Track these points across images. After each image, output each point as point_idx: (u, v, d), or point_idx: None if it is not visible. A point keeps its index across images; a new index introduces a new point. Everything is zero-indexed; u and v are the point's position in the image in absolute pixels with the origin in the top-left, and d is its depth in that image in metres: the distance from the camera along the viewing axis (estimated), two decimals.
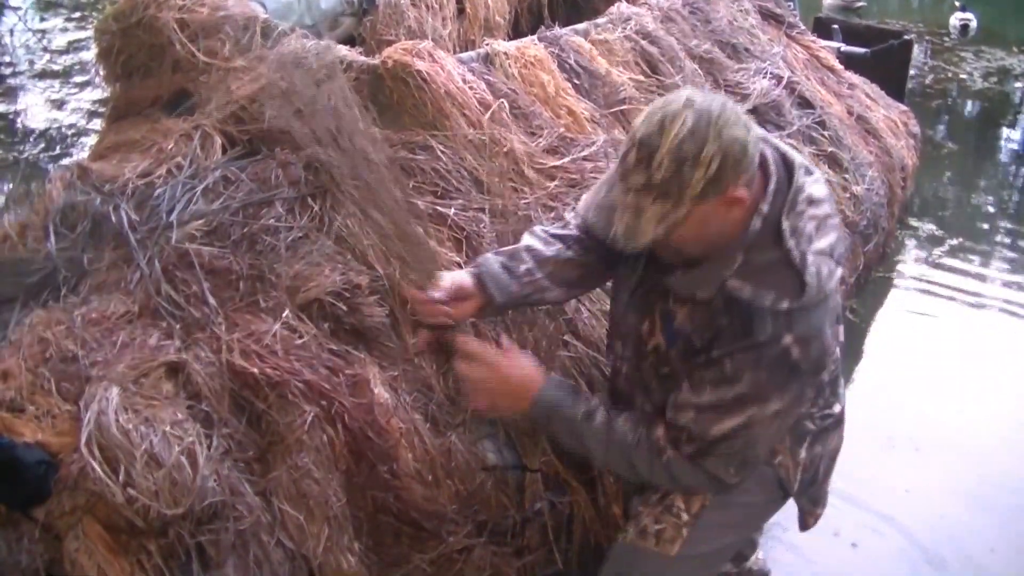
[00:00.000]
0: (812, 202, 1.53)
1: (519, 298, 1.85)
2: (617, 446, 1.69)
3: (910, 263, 4.59)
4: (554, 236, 1.88)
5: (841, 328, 1.74)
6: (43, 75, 6.50)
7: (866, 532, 2.74)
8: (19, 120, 5.80)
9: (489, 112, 2.47)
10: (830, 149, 3.40)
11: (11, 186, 4.60)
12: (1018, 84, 7.87)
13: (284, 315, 2.04)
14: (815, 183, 1.57)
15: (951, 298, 4.23)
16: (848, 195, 3.33)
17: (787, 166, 1.55)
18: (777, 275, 1.49)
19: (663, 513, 1.79)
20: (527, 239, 1.90)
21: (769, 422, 1.56)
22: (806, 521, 1.90)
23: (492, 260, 1.85)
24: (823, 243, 1.52)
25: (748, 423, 1.55)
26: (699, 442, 1.60)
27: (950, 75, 7.75)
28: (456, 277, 1.84)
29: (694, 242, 1.51)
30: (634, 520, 1.86)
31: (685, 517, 1.77)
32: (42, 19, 7.68)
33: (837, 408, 1.81)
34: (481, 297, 1.83)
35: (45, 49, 6.91)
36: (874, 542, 2.72)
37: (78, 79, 6.33)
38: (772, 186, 1.51)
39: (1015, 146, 6.68)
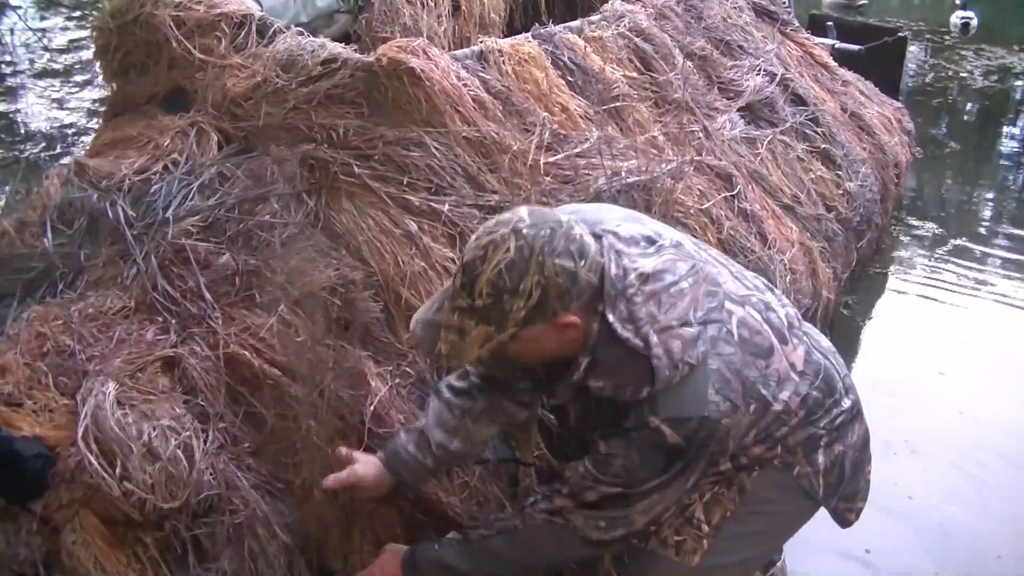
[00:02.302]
0: (645, 279, 1.50)
1: (440, 467, 1.92)
2: (475, 550, 1.73)
3: (909, 262, 4.58)
4: (458, 392, 1.86)
5: (792, 351, 1.67)
6: (43, 74, 6.51)
7: (879, 538, 2.69)
8: (19, 119, 5.82)
9: (483, 109, 2.48)
10: (823, 146, 3.42)
11: (10, 186, 4.62)
12: (1019, 82, 7.88)
13: (279, 310, 2.06)
14: (644, 257, 1.53)
15: (951, 298, 4.21)
16: (841, 191, 3.35)
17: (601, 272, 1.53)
18: (627, 368, 1.48)
19: (683, 524, 1.75)
20: (432, 408, 1.89)
21: (647, 496, 1.57)
22: (846, 518, 1.81)
23: (400, 445, 1.86)
24: (668, 317, 1.49)
25: (624, 496, 1.57)
26: (573, 499, 1.63)
27: (950, 73, 7.76)
28: (361, 470, 1.84)
29: (534, 357, 1.56)
30: (654, 533, 1.81)
31: (706, 528, 1.72)
32: (42, 18, 7.70)
33: (847, 403, 1.74)
34: (394, 481, 1.87)
35: (45, 48, 6.93)
36: (888, 548, 2.67)
37: (78, 78, 6.34)
38: (606, 285, 1.49)
39: (1016, 145, 6.69)
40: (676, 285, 1.52)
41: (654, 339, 1.47)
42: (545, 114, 2.61)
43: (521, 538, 1.69)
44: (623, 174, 2.55)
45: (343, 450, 1.86)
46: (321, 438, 1.88)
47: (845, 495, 1.78)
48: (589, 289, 1.46)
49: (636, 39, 3.12)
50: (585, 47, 2.95)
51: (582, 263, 1.43)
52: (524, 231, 1.40)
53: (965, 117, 7.18)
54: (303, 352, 1.98)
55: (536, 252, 1.39)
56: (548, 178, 2.47)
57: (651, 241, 1.57)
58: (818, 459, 1.71)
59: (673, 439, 1.49)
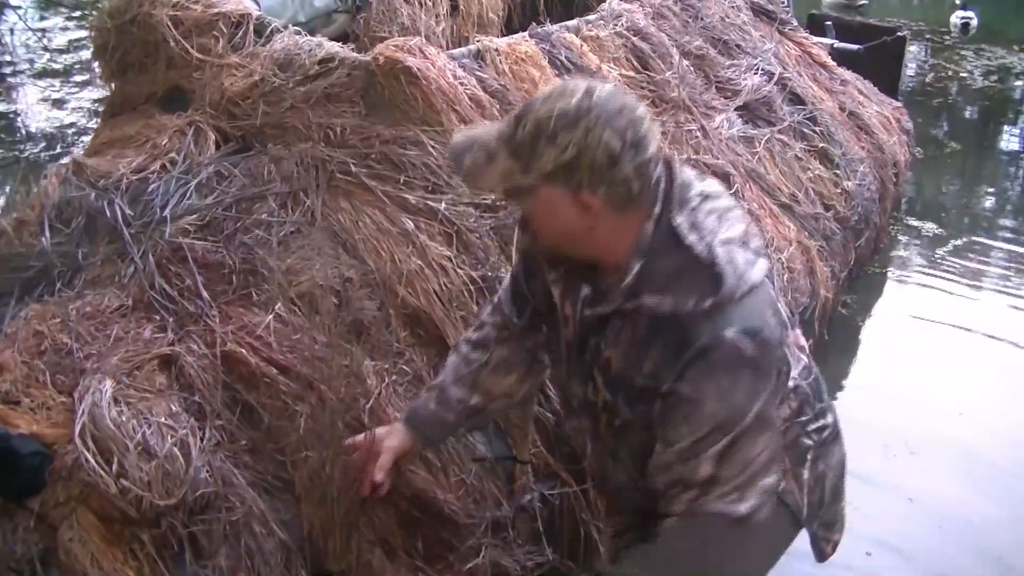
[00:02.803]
0: (707, 197, 1.43)
1: (462, 423, 1.83)
2: None
3: (908, 262, 4.58)
4: (475, 345, 1.79)
5: (798, 335, 1.63)
6: (43, 74, 6.53)
7: (878, 541, 2.68)
8: (19, 119, 5.83)
9: (479, 108, 2.49)
10: (821, 145, 3.42)
11: (11, 186, 4.63)
12: (1019, 82, 7.88)
13: (276, 308, 2.07)
14: (705, 181, 1.47)
15: (950, 298, 4.20)
16: (839, 190, 3.35)
17: (668, 167, 1.45)
18: (690, 277, 1.37)
19: None
20: (450, 364, 1.81)
21: (756, 431, 1.39)
22: (822, 550, 1.71)
23: (420, 405, 1.81)
24: (729, 233, 1.41)
25: (734, 441, 1.38)
26: (693, 488, 1.41)
27: (950, 73, 7.76)
28: (394, 443, 1.78)
29: (543, 227, 1.43)
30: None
31: None
32: (42, 18, 7.72)
33: (830, 418, 1.69)
34: (420, 441, 1.80)
35: (45, 48, 6.94)
36: (888, 551, 2.67)
37: (78, 78, 6.36)
38: (661, 189, 1.41)
39: (1016, 144, 6.69)
40: (733, 210, 1.46)
41: (718, 249, 1.38)
42: None
43: (662, 564, 1.46)
44: None
45: (356, 439, 1.80)
46: (322, 437, 1.88)
47: (825, 521, 1.69)
48: (625, 186, 1.34)
49: (633, 38, 3.13)
50: (582, 46, 2.96)
51: (631, 154, 1.32)
52: (596, 94, 1.32)
53: (965, 117, 7.18)
54: (301, 350, 1.99)
55: (592, 116, 1.30)
56: None
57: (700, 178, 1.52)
58: (803, 474, 1.64)
59: (750, 352, 1.36)
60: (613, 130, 1.31)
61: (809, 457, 1.64)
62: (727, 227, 1.41)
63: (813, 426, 1.64)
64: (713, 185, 1.48)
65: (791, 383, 1.57)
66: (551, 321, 1.60)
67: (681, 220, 1.39)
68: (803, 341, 1.65)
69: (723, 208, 1.44)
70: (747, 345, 1.36)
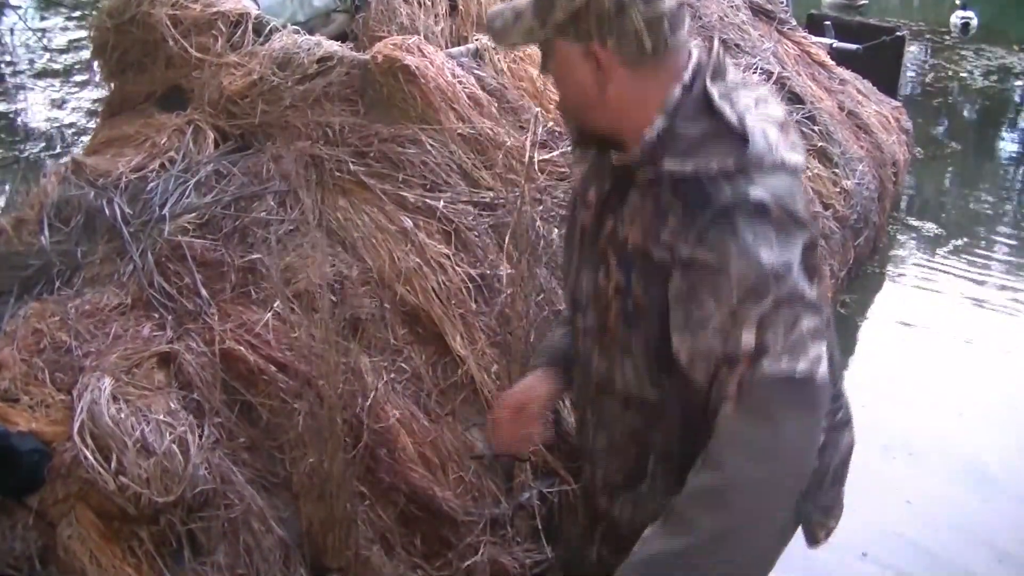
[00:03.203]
0: (746, 84, 1.38)
1: None
2: (684, 507, 1.27)
3: (908, 261, 4.57)
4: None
5: (827, 285, 1.56)
6: (43, 74, 6.53)
7: (876, 542, 2.66)
8: (19, 119, 5.84)
9: (478, 106, 2.50)
10: (820, 144, 3.43)
11: (11, 185, 4.63)
12: (1019, 82, 7.88)
13: (275, 306, 2.07)
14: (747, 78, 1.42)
15: (950, 298, 4.18)
16: (838, 189, 3.36)
17: (709, 46, 1.39)
18: (716, 142, 1.30)
19: None
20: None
21: (791, 296, 1.23)
22: (815, 534, 1.59)
23: (552, 343, 1.71)
24: (767, 111, 1.33)
25: (775, 304, 1.22)
26: (740, 363, 1.23)
27: (950, 73, 7.76)
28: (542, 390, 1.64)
29: (564, 92, 1.41)
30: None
31: None
32: (42, 18, 7.72)
33: (843, 402, 1.64)
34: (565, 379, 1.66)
35: (45, 48, 6.94)
36: (885, 552, 2.65)
37: (78, 78, 6.36)
38: (694, 60, 1.34)
39: (1016, 144, 6.69)
40: (773, 102, 1.39)
41: (751, 120, 1.30)
42: (540, 111, 2.61)
43: (721, 447, 1.24)
44: None
45: (506, 404, 1.64)
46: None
47: (822, 505, 1.62)
48: (636, 39, 1.30)
49: None
50: None
51: (640, 5, 1.28)
52: None
53: (965, 117, 7.19)
54: (300, 348, 1.99)
55: None
56: (543, 175, 2.48)
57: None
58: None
59: (776, 212, 1.25)
60: None
61: (822, 438, 1.48)
62: (764, 108, 1.35)
63: (831, 405, 1.53)
64: (755, 80, 1.45)
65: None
66: (571, 219, 1.53)
67: (714, 89, 1.32)
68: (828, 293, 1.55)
69: (762, 96, 1.38)
70: (773, 206, 1.26)
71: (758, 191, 1.26)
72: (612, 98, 1.34)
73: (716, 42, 1.39)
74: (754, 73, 3.45)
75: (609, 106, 1.35)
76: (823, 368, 1.23)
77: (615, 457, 1.54)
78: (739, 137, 1.28)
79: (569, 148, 1.52)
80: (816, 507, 1.60)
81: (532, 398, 1.61)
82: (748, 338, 1.22)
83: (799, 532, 1.62)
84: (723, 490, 1.23)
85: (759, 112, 1.32)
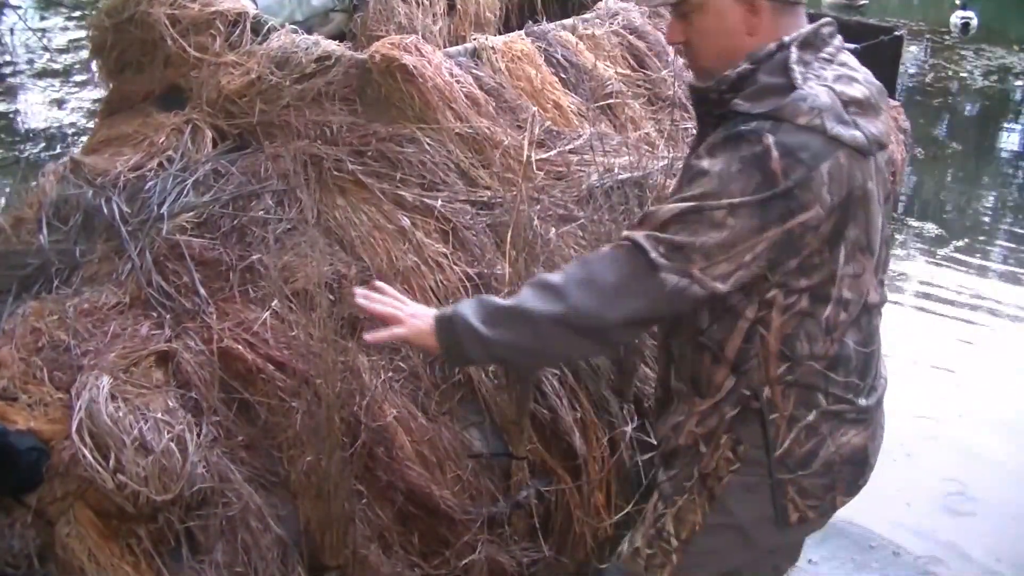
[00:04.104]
0: (844, 64, 1.52)
1: None
2: (528, 286, 1.57)
3: (908, 262, 4.57)
4: None
5: (882, 225, 1.57)
6: (43, 74, 6.54)
7: (874, 543, 2.69)
8: (19, 119, 5.84)
9: (476, 105, 2.50)
10: None
11: (11, 185, 4.63)
12: (1019, 82, 7.88)
13: (273, 305, 2.08)
14: (855, 62, 1.55)
15: (950, 299, 4.18)
16: None
17: (817, 22, 1.55)
18: (777, 95, 1.43)
19: (654, 538, 1.69)
20: None
21: (720, 218, 1.42)
22: (786, 513, 1.60)
23: None
24: (841, 87, 1.46)
25: (698, 208, 1.43)
26: (646, 225, 1.49)
27: (950, 73, 7.77)
28: None
29: (706, 40, 1.51)
30: (629, 538, 1.78)
31: (674, 543, 1.66)
32: (42, 18, 7.72)
33: (862, 401, 1.61)
34: None
35: (45, 48, 6.95)
36: (882, 553, 2.67)
37: (78, 78, 6.37)
38: (802, 28, 1.50)
39: (1015, 145, 6.69)
40: (859, 84, 1.51)
41: (814, 83, 1.45)
42: (538, 110, 2.62)
43: (573, 269, 1.54)
44: (616, 171, 2.56)
45: None
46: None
47: (801, 487, 1.60)
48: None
49: (629, 36, 3.14)
50: (578, 44, 2.97)
51: None
52: None
53: (965, 117, 7.18)
54: (298, 347, 2.00)
55: None
56: (541, 174, 2.48)
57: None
58: (807, 416, 1.57)
59: (775, 166, 1.39)
60: None
61: (817, 410, 1.57)
62: (842, 85, 1.47)
63: (836, 391, 1.57)
64: (856, 63, 1.56)
65: (843, 295, 1.51)
66: None
67: (797, 53, 1.46)
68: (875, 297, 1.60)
69: (851, 76, 1.51)
70: (776, 156, 1.39)
71: (772, 137, 1.40)
72: (754, 43, 1.47)
73: (824, 21, 1.54)
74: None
75: (748, 52, 1.47)
76: (676, 278, 1.45)
77: (658, 367, 1.78)
78: (792, 91, 1.42)
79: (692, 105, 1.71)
80: (794, 484, 1.60)
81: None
82: (663, 214, 1.46)
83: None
84: (554, 288, 1.51)
85: (834, 85, 1.45)
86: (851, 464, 1.64)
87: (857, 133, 1.44)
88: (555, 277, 1.53)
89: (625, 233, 1.52)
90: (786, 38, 1.47)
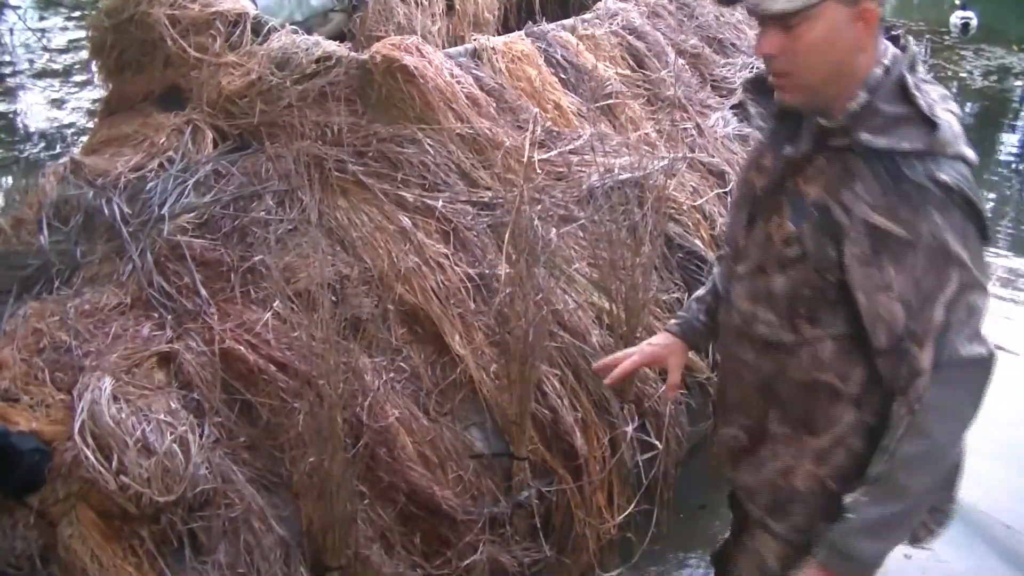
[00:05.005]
0: (932, 84, 1.50)
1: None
2: (897, 473, 1.45)
3: None
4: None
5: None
6: (43, 74, 6.53)
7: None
8: (19, 119, 5.84)
9: (476, 106, 2.50)
10: None
11: (10, 186, 4.63)
12: (1018, 82, 7.88)
13: (274, 305, 2.08)
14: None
15: None
16: None
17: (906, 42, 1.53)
18: (909, 125, 1.41)
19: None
20: (714, 274, 1.87)
21: (972, 278, 1.39)
22: (918, 533, 1.61)
23: (692, 317, 1.84)
24: (949, 106, 1.46)
25: (961, 287, 1.39)
26: (928, 338, 1.40)
27: (950, 73, 7.76)
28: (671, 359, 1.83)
29: (816, 55, 1.43)
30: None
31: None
32: (42, 18, 7.71)
33: None
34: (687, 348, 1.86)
35: (45, 48, 6.94)
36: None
37: (78, 78, 6.35)
38: (892, 51, 1.47)
39: (1015, 145, 6.69)
40: (951, 102, 1.50)
41: (939, 111, 1.43)
42: (538, 111, 2.62)
43: (931, 419, 1.42)
44: (616, 171, 2.56)
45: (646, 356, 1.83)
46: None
47: (932, 504, 1.57)
48: (882, 5, 1.43)
49: (629, 37, 3.14)
50: (578, 45, 2.97)
51: None
52: None
53: (965, 117, 7.18)
54: (299, 347, 2.00)
55: None
56: (541, 175, 2.49)
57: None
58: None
59: (960, 200, 1.39)
60: None
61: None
62: (946, 103, 1.47)
63: None
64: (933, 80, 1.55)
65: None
66: (744, 180, 1.67)
67: (911, 80, 1.44)
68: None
69: (944, 93, 1.50)
70: (958, 193, 1.38)
71: (945, 175, 1.38)
72: (863, 60, 1.44)
73: (911, 38, 1.52)
74: (750, 72, 3.45)
75: (856, 69, 1.44)
76: (986, 348, 1.42)
77: (742, 413, 1.69)
78: (929, 124, 1.40)
79: (754, 114, 1.63)
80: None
81: (673, 366, 1.80)
82: (939, 314, 1.39)
83: None
84: (933, 454, 1.43)
85: (944, 106, 1.45)
86: (957, 467, 1.64)
87: (971, 153, 1.45)
88: (917, 443, 1.43)
89: (928, 360, 1.40)
90: (885, 60, 1.45)
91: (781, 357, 1.56)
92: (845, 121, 1.43)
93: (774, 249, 1.53)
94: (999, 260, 4.68)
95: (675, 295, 2.52)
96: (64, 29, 7.41)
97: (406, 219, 2.31)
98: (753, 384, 1.64)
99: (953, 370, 1.40)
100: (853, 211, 1.41)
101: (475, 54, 2.71)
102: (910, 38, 1.53)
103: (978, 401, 1.44)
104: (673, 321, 1.88)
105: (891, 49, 1.48)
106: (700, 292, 1.87)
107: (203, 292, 2.11)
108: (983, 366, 1.43)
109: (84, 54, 6.59)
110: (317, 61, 2.51)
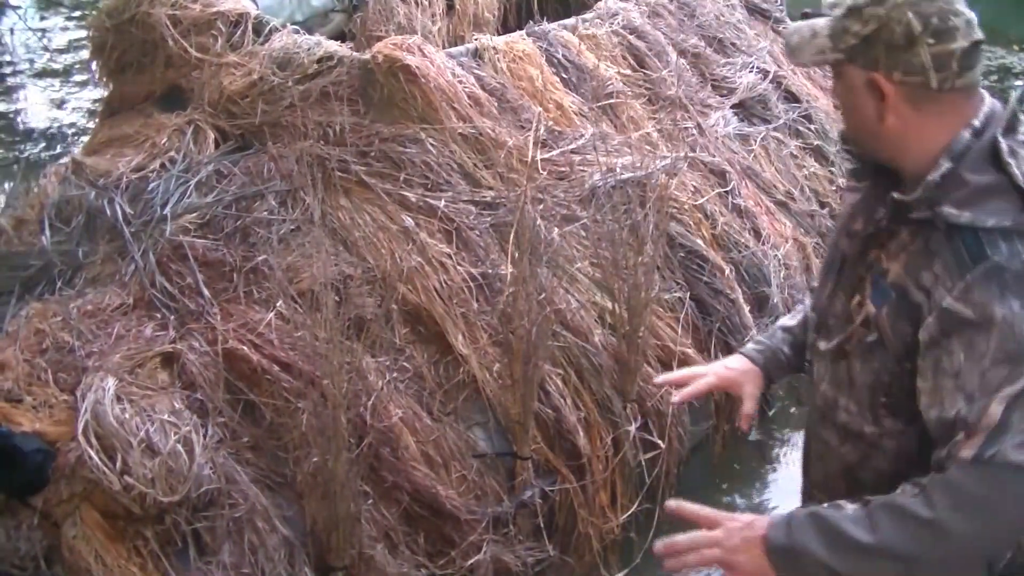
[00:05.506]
0: None
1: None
2: (884, 514, 1.29)
3: None
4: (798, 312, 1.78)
5: None
6: (43, 74, 6.50)
7: None
8: (19, 119, 5.82)
9: (478, 106, 2.50)
10: (816, 142, 3.44)
11: (11, 186, 4.62)
12: (1019, 82, 7.87)
13: (277, 305, 2.08)
14: None
15: None
16: (834, 188, 3.37)
17: (1005, 103, 1.38)
18: (998, 198, 1.29)
19: None
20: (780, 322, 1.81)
21: None
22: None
23: (776, 348, 1.76)
24: None
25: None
26: (981, 432, 1.24)
27: None
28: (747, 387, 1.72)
29: (845, 117, 1.42)
30: None
31: None
32: (42, 18, 7.68)
33: None
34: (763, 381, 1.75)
35: (45, 48, 6.91)
36: None
37: (78, 78, 6.32)
38: (986, 108, 1.34)
39: None
40: None
41: None
42: (540, 110, 2.62)
43: (946, 501, 1.26)
44: (618, 170, 2.57)
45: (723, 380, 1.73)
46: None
47: None
48: (922, 75, 1.30)
49: (630, 36, 3.14)
50: (579, 44, 2.97)
51: (931, 40, 1.28)
52: None
53: None
54: (303, 347, 2.00)
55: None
56: (544, 174, 2.49)
57: None
58: None
59: None
60: (918, 12, 1.28)
61: None
62: None
63: None
64: None
65: None
66: (833, 245, 1.55)
67: (1004, 143, 1.32)
68: None
69: None
70: None
71: None
72: (890, 130, 1.34)
73: (1014, 95, 1.38)
74: (750, 72, 3.46)
75: (887, 138, 1.35)
76: None
77: (827, 493, 1.53)
78: (1020, 196, 1.28)
79: (846, 174, 1.57)
80: None
81: (747, 395, 1.68)
82: (995, 412, 1.23)
83: None
84: (928, 524, 1.25)
85: None
86: None
87: None
88: (919, 507, 1.27)
89: (971, 453, 1.24)
90: (976, 122, 1.32)
91: (863, 448, 1.46)
92: (922, 193, 1.31)
93: (854, 332, 1.44)
94: None
95: (677, 294, 2.53)
96: (64, 29, 7.38)
97: (409, 219, 2.31)
98: (837, 470, 1.55)
99: (996, 470, 1.24)
100: (933, 295, 1.30)
101: (476, 54, 2.71)
102: (1014, 94, 1.39)
103: (1002, 507, 1.24)
104: (752, 346, 1.78)
105: (986, 106, 1.35)
106: (788, 321, 1.78)
107: (206, 292, 2.11)
108: (1012, 474, 1.24)
109: (85, 54, 6.56)
110: (319, 61, 2.51)
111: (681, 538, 1.36)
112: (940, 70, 1.29)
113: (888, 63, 1.30)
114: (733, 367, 1.74)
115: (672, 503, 1.42)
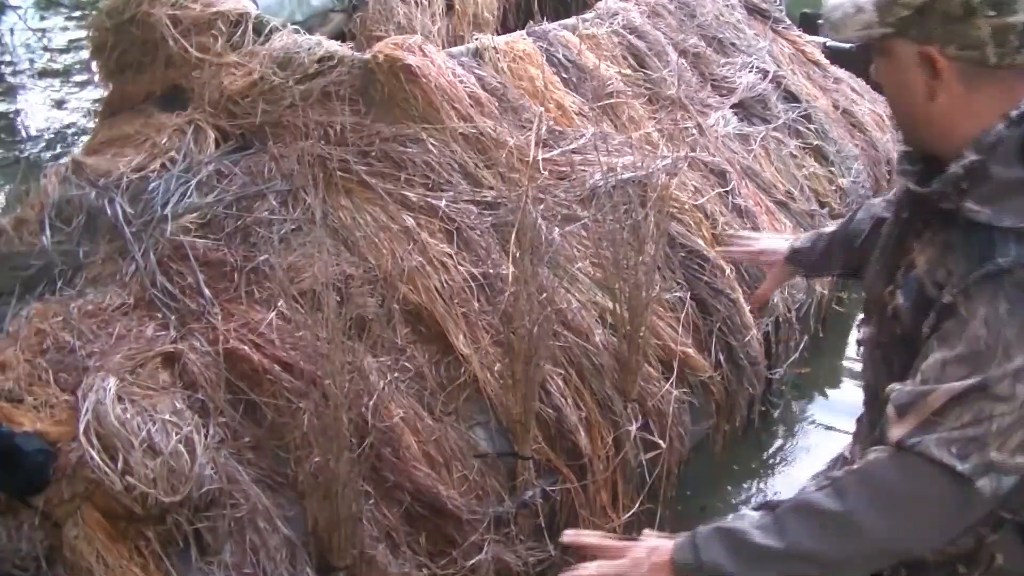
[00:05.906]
0: None
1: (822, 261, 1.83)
2: (792, 515, 1.24)
3: None
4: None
5: None
6: (43, 74, 6.49)
7: None
8: (19, 119, 5.81)
9: (479, 106, 2.50)
10: (816, 142, 3.44)
11: (11, 186, 4.62)
12: None
13: (278, 305, 2.08)
14: None
15: None
16: (834, 187, 3.37)
17: None
18: (1021, 196, 1.22)
19: None
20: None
21: (1007, 390, 1.17)
22: None
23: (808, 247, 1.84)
24: None
25: (983, 384, 1.16)
26: (913, 416, 1.21)
27: None
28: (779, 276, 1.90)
29: (892, 98, 1.33)
30: None
31: None
32: (42, 18, 7.66)
33: None
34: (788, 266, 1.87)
35: (45, 48, 6.90)
36: None
37: (78, 78, 6.32)
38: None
39: None
40: None
41: None
42: (541, 110, 2.62)
43: (858, 491, 1.21)
44: (618, 170, 2.57)
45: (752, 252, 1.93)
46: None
47: None
48: (979, 50, 1.22)
49: (630, 36, 3.15)
50: (579, 44, 2.98)
51: (991, 11, 1.20)
52: None
53: None
54: (304, 347, 2.00)
55: None
56: (544, 174, 2.49)
57: None
58: None
59: None
60: None
61: None
62: None
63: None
64: None
65: None
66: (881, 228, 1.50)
67: None
68: None
69: None
70: None
71: None
72: (940, 110, 1.27)
73: None
74: (750, 72, 3.46)
75: (935, 119, 1.28)
76: (988, 481, 1.17)
77: None
78: None
79: (897, 157, 1.43)
80: None
81: (772, 278, 1.88)
82: (935, 401, 1.19)
83: None
84: (837, 518, 1.21)
85: None
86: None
87: None
88: (828, 502, 1.22)
89: (897, 436, 1.21)
90: (1014, 112, 1.23)
91: None
92: (939, 186, 1.26)
93: (886, 323, 1.39)
94: None
95: (677, 294, 2.53)
96: (65, 29, 7.37)
97: (410, 219, 2.31)
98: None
99: (915, 461, 1.19)
100: (940, 288, 1.25)
101: (477, 54, 2.71)
102: None
103: (917, 506, 1.20)
104: (801, 239, 1.88)
105: None
106: (833, 228, 1.79)
107: (207, 292, 2.11)
108: (949, 482, 1.17)
109: (84, 54, 6.55)
110: (319, 61, 2.51)
111: (587, 570, 1.28)
112: (999, 45, 1.21)
113: (944, 36, 1.22)
114: (778, 248, 1.87)
115: (569, 535, 1.37)
